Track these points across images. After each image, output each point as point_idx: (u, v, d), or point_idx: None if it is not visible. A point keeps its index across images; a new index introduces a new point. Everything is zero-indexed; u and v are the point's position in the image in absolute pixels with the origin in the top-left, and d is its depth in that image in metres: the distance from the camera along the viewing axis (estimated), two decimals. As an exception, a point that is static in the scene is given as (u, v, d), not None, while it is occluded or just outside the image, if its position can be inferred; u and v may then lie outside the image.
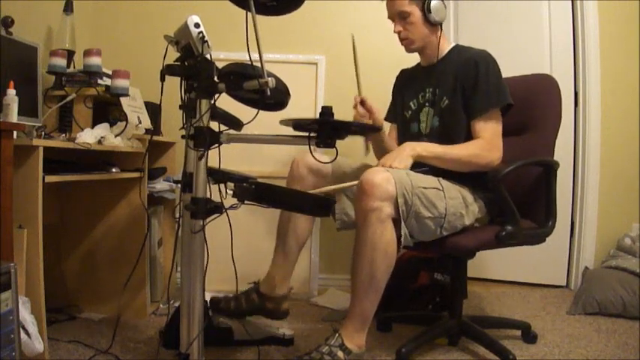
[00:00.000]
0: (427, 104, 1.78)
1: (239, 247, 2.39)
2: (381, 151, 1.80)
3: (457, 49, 1.77)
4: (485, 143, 1.63)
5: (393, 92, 1.98)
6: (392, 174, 1.45)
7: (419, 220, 1.48)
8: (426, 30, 1.73)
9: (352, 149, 1.91)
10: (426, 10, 1.68)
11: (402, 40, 1.77)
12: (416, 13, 1.70)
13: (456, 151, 1.62)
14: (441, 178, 1.60)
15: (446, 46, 1.78)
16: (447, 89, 1.71)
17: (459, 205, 1.57)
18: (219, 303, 1.71)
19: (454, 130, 1.69)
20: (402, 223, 1.45)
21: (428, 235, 1.53)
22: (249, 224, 2.47)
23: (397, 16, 1.74)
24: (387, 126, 1.92)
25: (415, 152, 1.59)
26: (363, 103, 1.75)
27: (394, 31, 1.77)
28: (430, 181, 1.56)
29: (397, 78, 1.99)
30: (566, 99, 2.09)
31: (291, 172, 1.79)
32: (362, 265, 1.44)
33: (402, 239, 1.46)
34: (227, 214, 1.30)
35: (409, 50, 1.79)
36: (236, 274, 1.46)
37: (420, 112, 1.80)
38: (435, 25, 1.72)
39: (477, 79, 1.64)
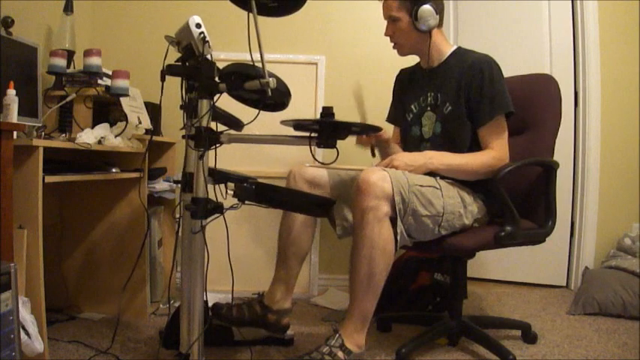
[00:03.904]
0: (429, 108, 1.77)
1: (240, 247, 2.41)
2: (387, 156, 1.80)
3: (459, 53, 1.75)
4: (497, 153, 1.64)
5: (393, 93, 1.97)
6: (388, 173, 1.45)
7: (416, 219, 1.49)
8: (414, 37, 1.71)
9: (354, 150, 1.91)
10: (413, 17, 1.67)
11: (393, 44, 1.77)
12: (404, 19, 1.69)
13: (470, 164, 1.63)
14: (438, 177, 1.60)
15: (447, 49, 1.76)
16: (450, 95, 1.70)
17: (456, 204, 1.58)
18: (221, 309, 1.70)
19: (458, 137, 1.68)
20: (399, 220, 1.46)
21: (426, 234, 1.53)
22: (250, 225, 2.47)
23: (388, 19, 1.74)
24: (390, 128, 1.92)
25: (434, 167, 1.61)
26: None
27: (384, 34, 1.76)
28: (427, 179, 1.56)
29: (397, 78, 1.97)
30: (566, 99, 2.09)
31: (287, 184, 1.77)
32: (360, 263, 1.44)
33: (399, 237, 1.46)
34: (223, 216, 1.30)
35: (400, 54, 1.79)
36: (232, 275, 1.45)
37: (422, 116, 1.79)
38: (425, 32, 1.69)
39: (482, 86, 1.63)
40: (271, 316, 1.70)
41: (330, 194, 1.74)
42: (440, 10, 1.69)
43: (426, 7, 1.64)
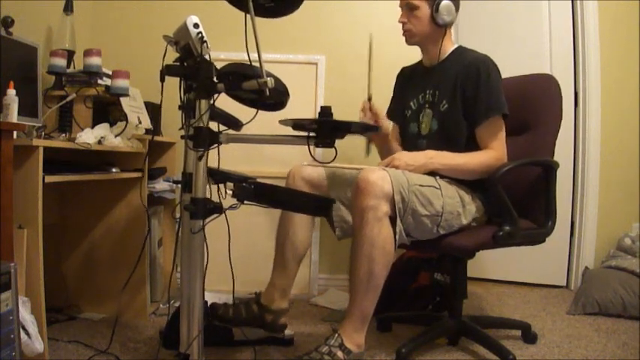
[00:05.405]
0: (427, 105, 1.77)
1: (239, 248, 2.40)
2: (386, 153, 1.79)
3: (459, 51, 1.76)
4: (496, 153, 1.65)
5: (394, 90, 1.98)
6: (388, 172, 1.45)
7: (416, 218, 1.49)
8: (429, 28, 1.72)
9: (352, 150, 1.91)
10: (434, 9, 1.68)
11: (403, 30, 1.77)
12: (424, 9, 1.70)
13: (469, 164, 1.64)
14: (437, 177, 1.61)
15: (449, 47, 1.77)
16: (447, 93, 1.70)
17: (456, 204, 1.58)
18: (218, 310, 1.70)
19: (454, 135, 1.69)
20: (398, 220, 1.46)
21: (425, 234, 1.54)
22: (249, 225, 2.47)
23: (405, 6, 1.73)
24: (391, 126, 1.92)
25: (434, 167, 1.61)
26: (370, 107, 1.74)
27: (399, 21, 1.76)
28: (427, 179, 1.56)
29: (398, 76, 1.98)
30: (566, 99, 2.09)
31: (286, 184, 1.77)
32: (360, 262, 1.44)
33: (397, 236, 1.46)
34: (225, 215, 1.30)
35: (408, 42, 1.78)
36: (233, 275, 1.45)
37: (420, 112, 1.79)
38: (440, 26, 1.71)
39: (477, 86, 1.63)
40: (268, 316, 1.71)
41: (328, 195, 1.74)
42: (457, 9, 1.71)
43: (448, 3, 1.67)
